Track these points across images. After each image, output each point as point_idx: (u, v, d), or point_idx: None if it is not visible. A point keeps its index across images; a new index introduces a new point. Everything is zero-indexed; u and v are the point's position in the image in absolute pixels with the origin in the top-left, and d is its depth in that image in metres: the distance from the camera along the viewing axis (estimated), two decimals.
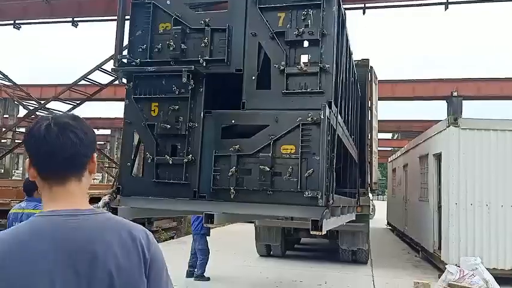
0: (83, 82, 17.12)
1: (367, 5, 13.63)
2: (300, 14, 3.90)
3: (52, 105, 18.35)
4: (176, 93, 4.12)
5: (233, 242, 13.21)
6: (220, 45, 4.08)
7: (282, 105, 3.91)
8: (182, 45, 4.16)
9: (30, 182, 2.68)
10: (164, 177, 4.09)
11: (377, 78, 13.28)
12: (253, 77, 4.01)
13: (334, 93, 3.97)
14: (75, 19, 17.79)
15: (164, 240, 12.50)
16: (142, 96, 4.22)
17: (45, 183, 1.26)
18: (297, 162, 3.74)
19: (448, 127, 8.98)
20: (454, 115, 9.96)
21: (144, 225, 12.02)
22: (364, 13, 13.71)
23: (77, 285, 1.14)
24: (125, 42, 4.43)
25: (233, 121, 4.03)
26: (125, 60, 4.25)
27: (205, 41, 4.08)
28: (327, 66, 3.78)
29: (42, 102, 17.93)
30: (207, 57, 4.08)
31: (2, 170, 23.72)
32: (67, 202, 1.24)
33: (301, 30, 3.84)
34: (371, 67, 11.46)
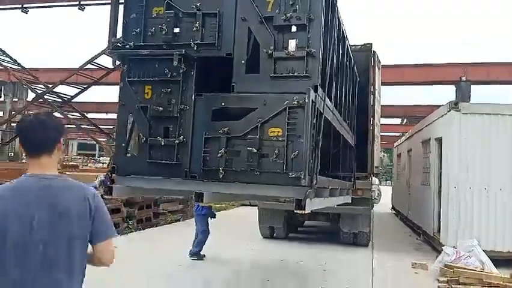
0: (90, 66, 17.36)
1: None
2: None
3: (60, 89, 18.63)
4: (169, 76, 4.25)
5: (238, 225, 13.44)
6: (211, 30, 4.18)
7: (270, 88, 4.02)
8: (175, 29, 4.27)
9: None
10: (157, 157, 4.24)
11: (380, 62, 13.24)
12: (243, 61, 4.12)
13: (321, 77, 4.07)
14: (81, 2, 17.96)
15: (170, 222, 12.77)
16: (136, 79, 4.36)
17: (28, 157, 2.05)
18: (283, 144, 3.86)
19: (448, 111, 9.08)
20: (459, 100, 9.91)
21: (151, 208, 12.20)
22: None
23: (45, 215, 1.91)
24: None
25: (223, 104, 4.15)
26: (119, 44, 4.36)
27: (196, 25, 4.19)
28: (313, 50, 3.87)
29: (50, 86, 18.21)
30: (198, 41, 4.19)
31: (12, 154, 24.13)
32: (39, 169, 2.00)
33: (288, 15, 3.92)
34: (374, 52, 11.45)
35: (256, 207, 10.90)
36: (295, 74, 3.94)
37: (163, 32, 4.26)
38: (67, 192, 1.99)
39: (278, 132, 3.91)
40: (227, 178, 4.02)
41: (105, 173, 4.35)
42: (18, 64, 17.12)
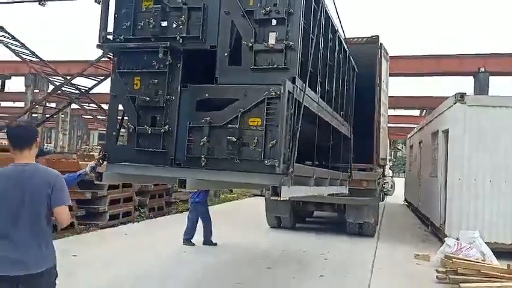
0: (106, 59, 17.73)
1: None
2: None
3: (77, 80, 19.08)
4: (156, 68, 4.43)
5: (247, 215, 13.68)
6: (196, 23, 4.35)
7: (251, 80, 4.17)
8: (162, 22, 4.46)
9: None
10: (144, 145, 4.45)
11: (388, 54, 13.23)
12: (226, 54, 4.27)
13: (302, 69, 4.19)
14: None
15: (182, 211, 13.05)
16: (126, 70, 4.57)
17: (13, 151, 2.94)
18: (262, 133, 4.01)
19: (454, 104, 9.09)
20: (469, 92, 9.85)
21: (163, 197, 12.54)
22: None
23: (20, 189, 2.81)
24: None
25: (207, 95, 4.31)
26: (110, 37, 4.57)
27: (182, 19, 4.36)
28: (291, 43, 4.00)
29: (68, 78, 18.69)
30: (183, 35, 4.36)
31: None
32: (21, 160, 2.92)
33: (268, 9, 4.06)
34: (381, 44, 11.47)
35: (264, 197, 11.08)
36: (275, 66, 4.08)
37: (151, 26, 4.44)
38: (36, 174, 2.91)
39: (258, 122, 4.06)
40: (209, 166, 4.19)
41: (95, 160, 4.57)
42: (37, 56, 17.61)
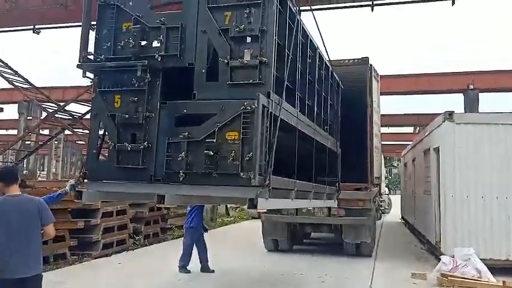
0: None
1: (375, 2, 13.87)
2: (243, 13, 4.25)
3: (71, 106, 19.19)
4: (136, 86, 4.54)
5: (244, 238, 13.56)
6: (174, 42, 4.47)
7: (228, 95, 4.26)
8: (142, 42, 4.58)
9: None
10: (124, 162, 4.50)
11: (378, 75, 13.50)
12: (203, 70, 4.38)
13: (275, 84, 4.30)
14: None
15: (178, 237, 12.81)
16: (107, 89, 4.67)
17: (5, 186, 3.98)
18: (239, 147, 4.08)
19: (443, 122, 9.20)
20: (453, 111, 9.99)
21: (158, 223, 12.32)
22: (372, 10, 13.93)
23: (17, 215, 3.85)
24: None
25: (185, 111, 4.40)
26: (91, 57, 4.68)
27: (161, 38, 4.49)
28: (264, 59, 4.12)
29: (61, 104, 18.80)
30: (162, 53, 4.47)
31: (27, 172, 24.77)
32: (13, 191, 3.98)
33: (242, 27, 4.19)
34: (371, 65, 11.71)
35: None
36: (250, 82, 4.18)
37: (131, 46, 4.56)
38: (24, 201, 3.99)
39: (235, 136, 4.14)
40: (188, 181, 4.24)
41: (75, 178, 4.61)
42: (30, 84, 17.74)
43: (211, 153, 4.11)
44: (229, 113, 4.16)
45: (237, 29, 4.21)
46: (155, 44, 4.55)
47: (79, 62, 4.56)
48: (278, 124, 4.29)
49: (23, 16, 16.58)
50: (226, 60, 4.26)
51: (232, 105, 4.16)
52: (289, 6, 4.71)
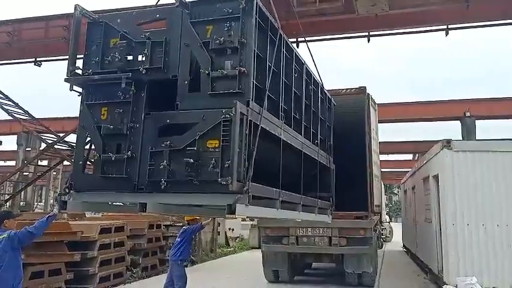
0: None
1: (371, 33, 14.27)
2: (223, 26, 4.44)
3: (70, 137, 19.36)
4: (122, 98, 4.68)
5: (243, 269, 13.37)
6: (158, 55, 4.65)
7: (209, 105, 4.39)
8: (128, 56, 4.76)
9: None
10: (109, 172, 4.58)
11: (375, 104, 13.74)
12: (186, 82, 4.53)
13: (256, 94, 4.44)
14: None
15: None
16: (94, 102, 4.81)
17: None
18: (219, 154, 4.17)
19: (441, 150, 9.25)
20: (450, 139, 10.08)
21: (157, 254, 12.13)
22: (369, 41, 14.30)
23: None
24: None
25: (168, 121, 4.52)
26: (79, 72, 4.85)
27: (145, 52, 4.67)
28: (243, 69, 4.27)
29: (61, 135, 18.99)
30: (147, 66, 4.64)
31: (24, 203, 24.74)
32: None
33: (222, 39, 4.37)
34: (368, 94, 11.94)
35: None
36: (230, 91, 4.32)
37: (117, 60, 4.73)
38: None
39: (215, 143, 4.24)
40: (169, 189, 4.30)
41: (61, 190, 4.68)
42: (30, 115, 17.99)
43: (192, 161, 4.19)
44: (210, 122, 4.27)
45: (218, 42, 4.38)
46: (140, 58, 4.72)
47: (67, 76, 4.72)
48: (258, 132, 4.39)
49: (24, 49, 17.06)
50: (207, 71, 4.41)
51: (213, 114, 4.28)
52: (270, 21, 4.91)
